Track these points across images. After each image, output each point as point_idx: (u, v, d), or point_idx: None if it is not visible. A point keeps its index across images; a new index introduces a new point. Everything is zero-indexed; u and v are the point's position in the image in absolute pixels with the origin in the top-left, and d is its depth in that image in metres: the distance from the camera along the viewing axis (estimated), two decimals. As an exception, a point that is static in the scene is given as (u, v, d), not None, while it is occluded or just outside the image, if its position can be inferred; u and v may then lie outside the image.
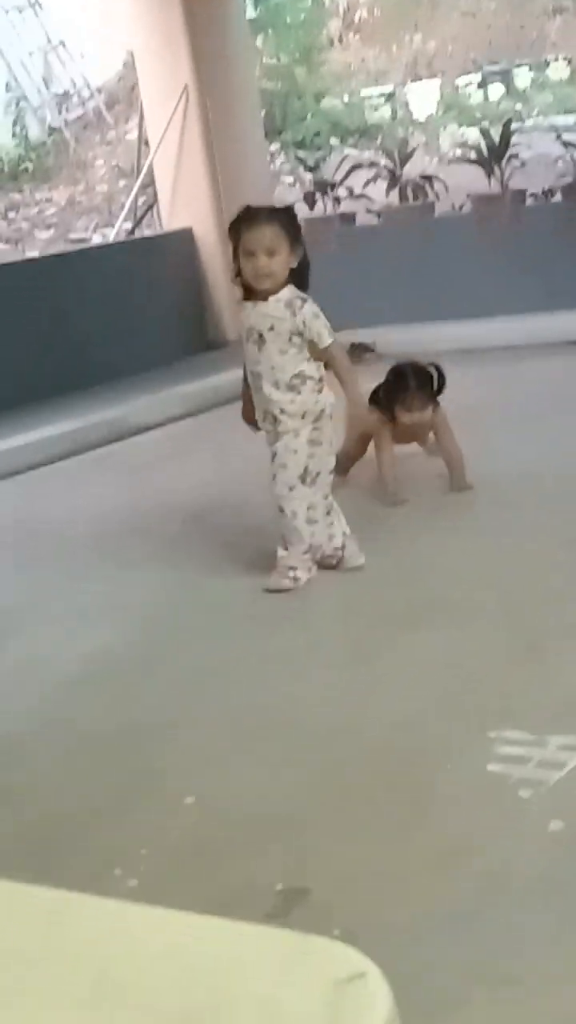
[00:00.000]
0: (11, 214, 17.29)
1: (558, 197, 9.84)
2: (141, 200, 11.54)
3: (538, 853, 2.93)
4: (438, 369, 6.13)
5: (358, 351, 9.59)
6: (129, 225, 11.66)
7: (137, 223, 11.61)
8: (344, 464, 6.08)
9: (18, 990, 0.94)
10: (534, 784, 3.21)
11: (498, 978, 2.53)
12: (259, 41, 15.23)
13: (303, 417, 4.96)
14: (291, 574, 4.97)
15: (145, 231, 11.39)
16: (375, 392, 6.12)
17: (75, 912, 1.04)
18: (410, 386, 6.06)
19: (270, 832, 3.23)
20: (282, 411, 4.94)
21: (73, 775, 3.78)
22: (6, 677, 4.70)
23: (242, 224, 4.97)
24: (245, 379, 5.28)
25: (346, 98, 18.60)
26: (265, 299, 4.91)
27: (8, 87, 18.68)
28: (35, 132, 18.77)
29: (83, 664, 4.62)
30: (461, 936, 2.67)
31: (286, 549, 5.02)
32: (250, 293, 4.96)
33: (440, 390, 6.09)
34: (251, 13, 12.94)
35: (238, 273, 4.97)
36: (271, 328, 4.89)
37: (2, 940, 1.04)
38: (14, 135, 18.54)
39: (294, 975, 0.68)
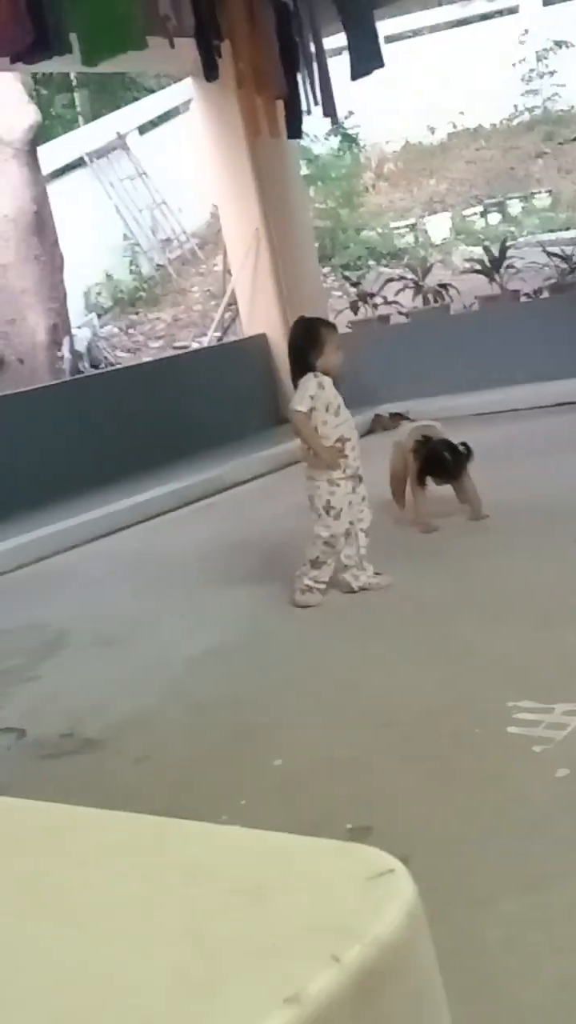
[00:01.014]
0: (131, 331, 17.54)
1: (545, 294, 9.83)
2: (227, 315, 11.66)
3: (549, 791, 2.94)
4: (466, 446, 5.83)
5: (396, 418, 9.62)
6: (219, 334, 11.79)
7: (224, 332, 11.73)
8: (397, 493, 6.15)
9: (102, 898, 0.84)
10: (544, 741, 3.20)
11: (522, 880, 2.55)
12: (311, 191, 15.35)
13: None
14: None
15: (231, 338, 11.49)
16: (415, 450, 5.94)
17: (137, 828, 0.96)
18: (445, 466, 5.84)
19: (340, 776, 3.27)
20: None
21: (191, 739, 3.83)
22: (141, 665, 4.75)
23: (330, 328, 5.04)
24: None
25: (379, 230, 18.65)
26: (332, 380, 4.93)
27: (125, 236, 19.01)
28: (146, 269, 19.04)
29: (200, 656, 4.68)
30: (491, 848, 2.69)
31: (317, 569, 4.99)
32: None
33: (469, 460, 5.82)
34: (304, 170, 13.06)
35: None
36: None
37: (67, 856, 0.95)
38: (131, 272, 18.84)
39: (334, 871, 0.70)
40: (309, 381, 4.87)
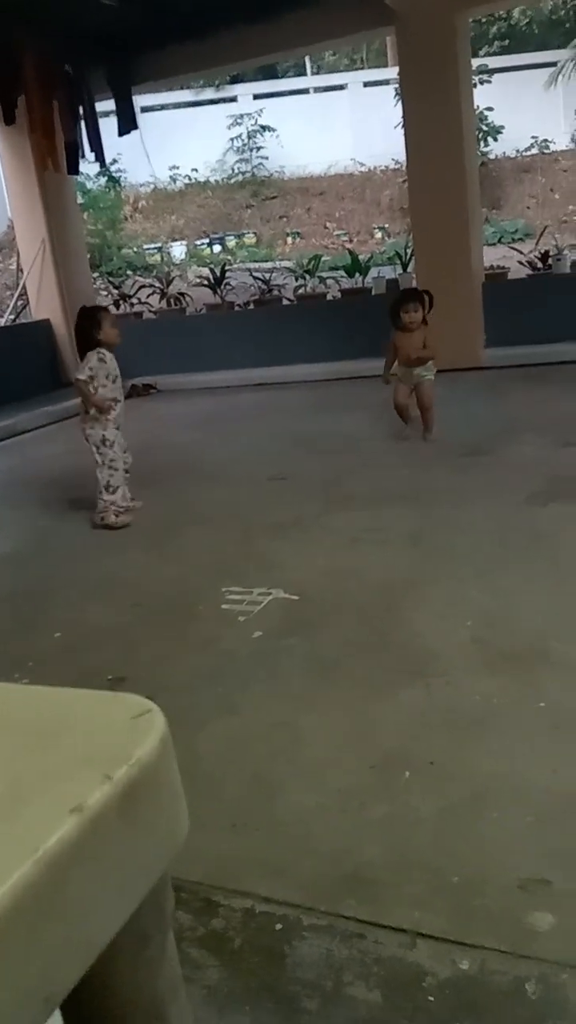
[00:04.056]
0: None
1: (251, 305, 9.89)
2: (19, 303, 11.01)
3: (248, 647, 3.00)
4: (428, 293, 5.52)
5: (146, 388, 9.46)
6: (13, 316, 11.14)
7: (17, 315, 11.10)
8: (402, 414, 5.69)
9: None
10: (246, 614, 3.26)
11: (226, 708, 2.61)
12: (85, 215, 14.63)
13: None
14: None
15: (22, 320, 10.87)
16: (391, 308, 5.52)
17: None
18: (407, 296, 5.57)
19: (103, 642, 3.23)
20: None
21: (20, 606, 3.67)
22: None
23: (105, 311, 4.79)
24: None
25: (135, 249, 18.09)
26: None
27: None
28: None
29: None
30: (208, 689, 2.74)
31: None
32: None
33: (431, 304, 5.48)
34: (80, 199, 12.42)
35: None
36: None
37: None
38: None
39: (107, 714, 0.68)
40: (92, 356, 4.61)
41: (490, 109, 19.01)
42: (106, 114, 9.46)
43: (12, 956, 0.49)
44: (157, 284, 10.89)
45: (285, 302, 9.85)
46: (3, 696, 0.72)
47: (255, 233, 19.66)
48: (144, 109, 10.01)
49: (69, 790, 0.58)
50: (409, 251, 9.27)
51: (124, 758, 0.61)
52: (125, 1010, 0.64)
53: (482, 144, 18.86)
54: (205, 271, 11.84)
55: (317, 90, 23.58)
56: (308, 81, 24.26)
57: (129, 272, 15.95)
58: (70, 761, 0.61)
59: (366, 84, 22.92)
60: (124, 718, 0.66)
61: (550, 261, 8.56)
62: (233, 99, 22.73)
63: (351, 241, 18.03)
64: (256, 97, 22.63)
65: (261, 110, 21.76)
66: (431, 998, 1.53)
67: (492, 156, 20.09)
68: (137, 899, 0.60)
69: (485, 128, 19.27)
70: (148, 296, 10.61)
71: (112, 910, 0.58)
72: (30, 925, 0.51)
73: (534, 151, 20.65)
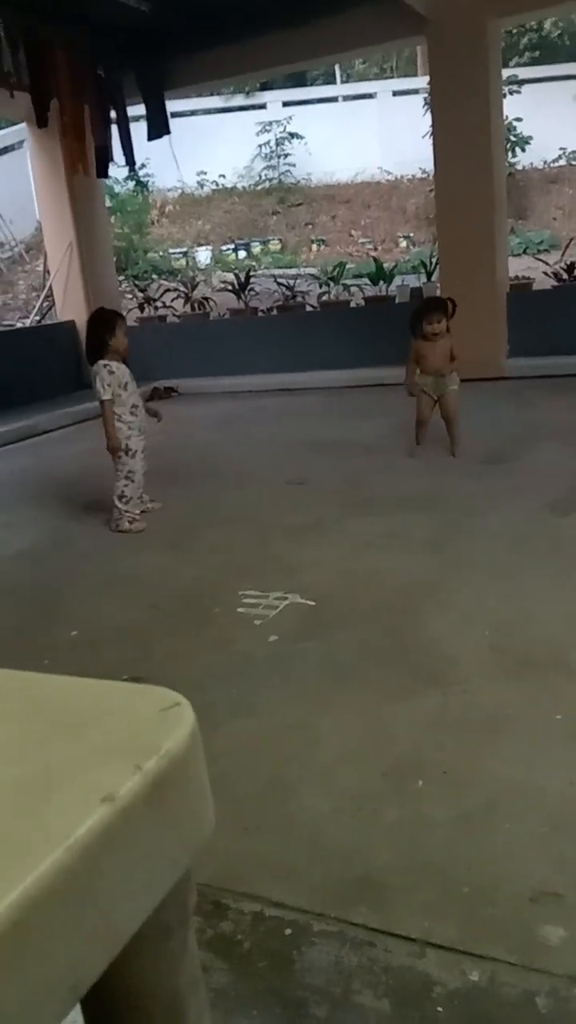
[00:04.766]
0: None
1: (275, 311, 9.91)
2: (45, 304, 11.08)
3: (264, 651, 2.99)
4: (452, 301, 5.31)
5: (168, 391, 9.49)
6: (39, 318, 11.21)
7: (43, 316, 11.16)
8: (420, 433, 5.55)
9: None
10: (262, 617, 3.25)
11: (243, 709, 2.60)
12: (112, 219, 14.73)
13: None
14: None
15: (48, 321, 10.94)
16: (412, 317, 5.32)
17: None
18: (431, 305, 5.33)
19: (119, 642, 3.23)
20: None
21: (4, 616, 3.66)
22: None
23: (119, 317, 4.61)
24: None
25: (161, 253, 18.18)
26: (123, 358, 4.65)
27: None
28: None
29: (15, 556, 4.46)
30: (224, 690, 2.74)
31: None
32: None
33: (453, 312, 5.27)
34: (108, 203, 12.50)
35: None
36: None
37: None
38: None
39: (137, 706, 0.68)
40: (100, 371, 4.44)
41: (519, 120, 18.95)
42: (137, 118, 9.54)
43: (42, 941, 0.49)
44: (182, 288, 10.95)
45: (309, 308, 9.86)
46: (34, 685, 0.72)
47: (280, 239, 19.71)
48: (173, 114, 10.03)
49: (100, 779, 0.58)
50: (434, 260, 9.26)
51: (154, 749, 0.62)
52: (145, 1003, 0.64)
53: (510, 154, 18.79)
54: (230, 276, 11.85)
55: (346, 98, 23.61)
56: (337, 89, 24.30)
57: (154, 276, 16.03)
58: (100, 751, 0.61)
59: (395, 93, 22.91)
60: (153, 710, 0.67)
61: (576, 273, 8.52)
62: (262, 106, 22.81)
63: (376, 249, 18.01)
64: (285, 104, 22.70)
65: (290, 117, 21.82)
66: (440, 1008, 1.52)
67: (520, 166, 20.03)
68: (163, 891, 0.60)
69: (513, 138, 19.20)
70: (173, 300, 10.66)
71: (139, 900, 0.58)
72: (60, 911, 0.51)
73: (562, 162, 20.56)
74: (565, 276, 8.59)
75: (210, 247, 19.20)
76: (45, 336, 10.02)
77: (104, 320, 4.60)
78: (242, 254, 18.68)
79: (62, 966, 0.51)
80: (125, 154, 9.42)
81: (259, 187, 22.13)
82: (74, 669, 2.95)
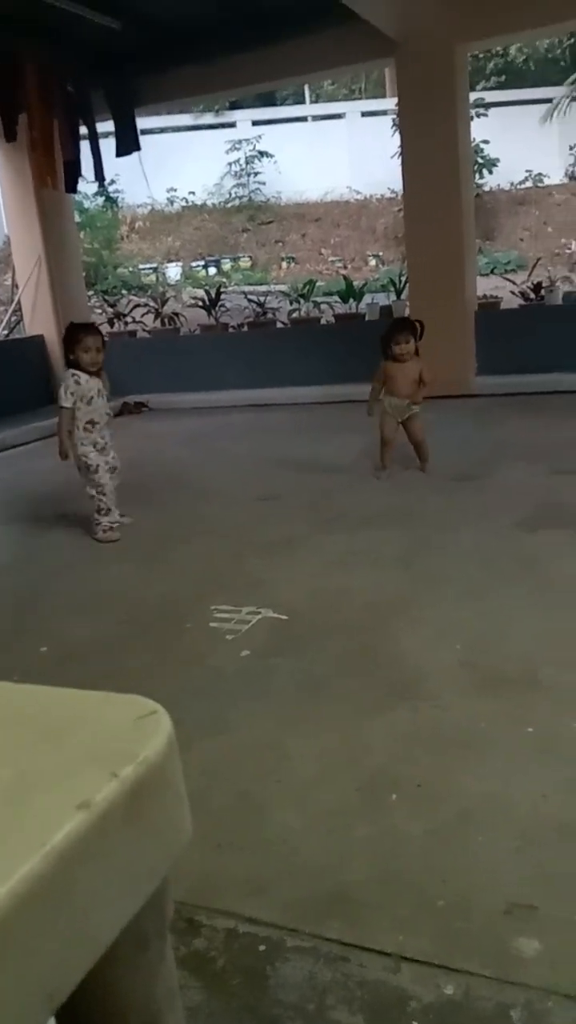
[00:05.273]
0: None
1: (245, 328, 9.95)
2: (13, 318, 11.02)
3: (235, 665, 2.99)
4: (420, 323, 5.33)
5: (138, 406, 9.47)
6: (6, 332, 11.14)
7: (11, 331, 11.10)
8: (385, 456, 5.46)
9: None
10: (234, 632, 3.25)
11: (214, 726, 2.59)
12: (81, 234, 14.72)
13: None
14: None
15: (16, 336, 10.88)
16: (381, 340, 5.31)
17: None
18: (399, 326, 5.35)
19: (90, 657, 3.21)
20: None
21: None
22: None
23: (89, 331, 4.58)
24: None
25: (131, 269, 18.22)
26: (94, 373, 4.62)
27: None
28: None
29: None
30: (195, 705, 2.72)
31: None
32: None
33: (422, 334, 5.29)
34: (77, 218, 12.49)
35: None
36: None
37: None
38: None
39: (113, 714, 0.68)
40: (67, 379, 4.48)
41: (486, 142, 19.32)
42: (106, 135, 9.56)
43: (18, 950, 0.49)
44: (152, 304, 10.94)
45: (279, 325, 9.91)
46: (10, 694, 0.72)
47: (250, 256, 19.85)
48: (143, 131, 10.06)
49: (76, 787, 0.57)
50: (403, 278, 9.37)
51: (131, 757, 0.61)
52: (121, 1015, 0.63)
53: (478, 176, 19.12)
54: (200, 292, 11.88)
55: (315, 118, 23.92)
56: (307, 109, 24.62)
57: (124, 291, 16.04)
58: (77, 758, 0.61)
59: (364, 114, 23.28)
60: (130, 718, 0.66)
61: (543, 292, 8.67)
62: (232, 124, 23.05)
63: (345, 267, 18.20)
64: (255, 123, 22.96)
65: (259, 136, 22.05)
66: (415, 1023, 1.51)
67: (487, 188, 20.39)
68: (141, 899, 0.60)
69: (481, 160, 19.56)
70: (143, 315, 10.65)
71: (116, 908, 0.58)
72: (37, 918, 0.50)
73: (528, 184, 20.98)
74: (532, 295, 8.74)
75: (180, 263, 19.27)
76: (13, 350, 9.96)
77: (68, 335, 4.62)
78: (212, 271, 18.77)
79: (38, 975, 0.50)
80: (95, 169, 9.44)
81: (229, 204, 22.29)
82: (58, 676, 2.94)
